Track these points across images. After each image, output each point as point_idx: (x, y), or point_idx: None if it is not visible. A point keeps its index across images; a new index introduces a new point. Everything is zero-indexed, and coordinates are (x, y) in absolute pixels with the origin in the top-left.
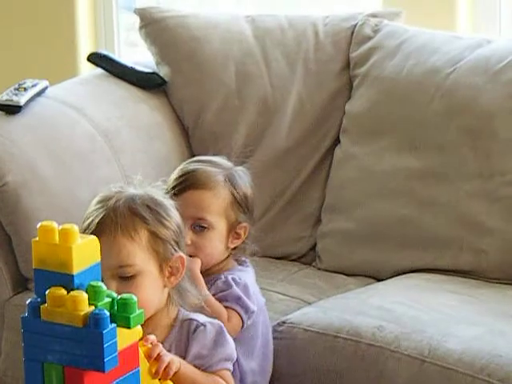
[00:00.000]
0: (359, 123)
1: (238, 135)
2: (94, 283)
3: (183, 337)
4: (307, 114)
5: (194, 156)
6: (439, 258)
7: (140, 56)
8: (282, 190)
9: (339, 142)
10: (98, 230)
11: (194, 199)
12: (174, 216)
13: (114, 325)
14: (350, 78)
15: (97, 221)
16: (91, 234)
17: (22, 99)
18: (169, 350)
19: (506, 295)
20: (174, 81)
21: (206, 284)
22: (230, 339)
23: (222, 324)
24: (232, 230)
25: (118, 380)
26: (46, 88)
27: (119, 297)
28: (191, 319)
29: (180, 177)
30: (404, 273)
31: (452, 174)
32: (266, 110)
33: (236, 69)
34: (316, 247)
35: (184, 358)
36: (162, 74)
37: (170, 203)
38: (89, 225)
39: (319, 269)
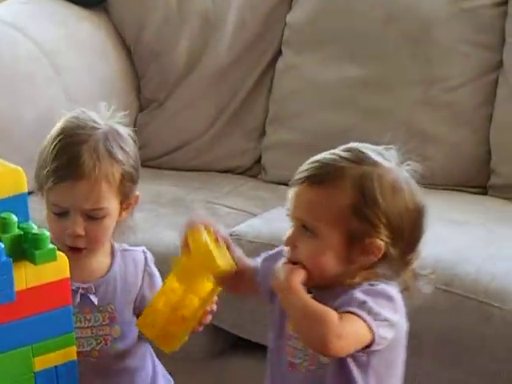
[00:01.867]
0: (301, 34)
1: (179, 51)
2: (4, 214)
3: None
4: (248, 27)
5: (137, 74)
6: None
7: None
8: (226, 103)
9: (281, 53)
10: (79, 171)
11: (302, 196)
12: (134, 151)
13: (8, 259)
14: None
15: (79, 162)
16: (70, 174)
17: None
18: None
19: (452, 201)
20: None
21: None
22: None
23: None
24: (355, 243)
25: (35, 316)
26: None
27: (32, 231)
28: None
29: (307, 164)
30: None
31: (394, 83)
32: (206, 26)
33: None
34: (261, 160)
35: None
36: None
37: (129, 134)
38: (67, 163)
39: (265, 181)
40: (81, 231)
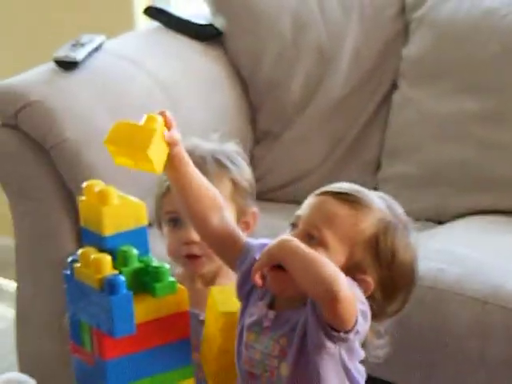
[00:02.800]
0: (417, 67)
1: (294, 84)
2: (125, 248)
3: None
4: (363, 60)
5: (252, 107)
6: (500, 200)
7: (196, 8)
8: (341, 137)
9: (397, 87)
10: None
11: (324, 206)
12: (247, 170)
13: (128, 292)
14: (405, 22)
15: None
16: None
17: (80, 55)
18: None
19: None
20: (230, 31)
21: None
22: None
23: None
24: (350, 272)
25: (154, 348)
26: (102, 43)
27: (152, 264)
28: None
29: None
30: (464, 216)
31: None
32: (321, 59)
33: (291, 18)
34: None
35: None
36: (217, 25)
37: (243, 158)
38: None
39: None
40: (195, 237)
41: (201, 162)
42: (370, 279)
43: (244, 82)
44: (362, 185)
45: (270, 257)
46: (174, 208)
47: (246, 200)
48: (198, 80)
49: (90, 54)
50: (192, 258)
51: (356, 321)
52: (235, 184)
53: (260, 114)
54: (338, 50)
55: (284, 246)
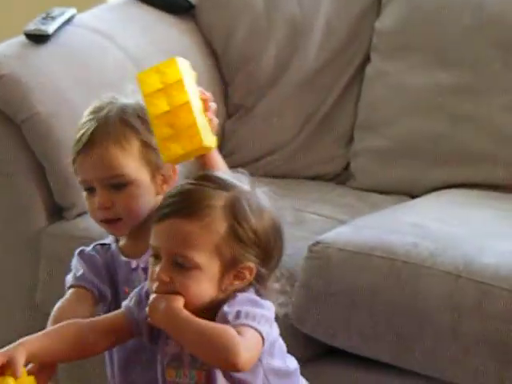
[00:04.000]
0: (389, 40)
1: (267, 57)
2: None
3: None
4: (336, 33)
5: (224, 80)
6: (473, 174)
7: None
8: (314, 110)
9: (369, 60)
10: (90, 140)
11: (176, 230)
12: None
13: None
14: None
15: (89, 132)
16: (83, 145)
17: (50, 28)
18: None
19: None
20: (202, 4)
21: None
22: None
23: None
24: (230, 269)
25: None
26: (73, 16)
27: None
28: None
29: (167, 197)
30: (438, 189)
31: (484, 89)
32: (294, 32)
33: None
34: (349, 166)
35: None
36: None
37: None
38: (81, 136)
39: (353, 188)
40: (107, 203)
41: (103, 123)
42: (250, 263)
43: (216, 55)
44: (334, 159)
45: (158, 325)
46: (86, 177)
47: (159, 155)
48: (169, 53)
49: (60, 28)
50: (108, 222)
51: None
52: (144, 142)
53: (232, 87)
54: (311, 22)
55: (164, 321)
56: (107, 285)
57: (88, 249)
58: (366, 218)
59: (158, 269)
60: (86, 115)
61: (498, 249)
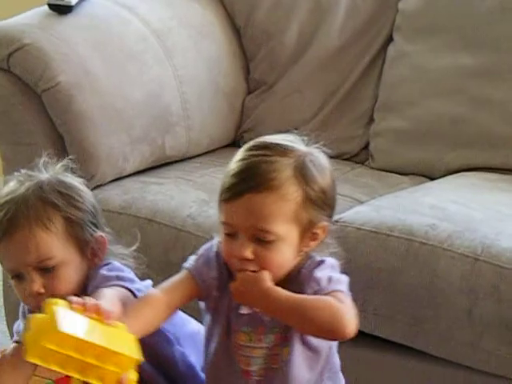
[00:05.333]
0: (413, 21)
1: (289, 34)
2: None
3: None
4: (360, 11)
5: (245, 55)
6: (492, 157)
7: None
8: (335, 89)
9: (392, 40)
10: (11, 226)
11: (253, 205)
12: (86, 196)
13: None
14: None
15: (8, 216)
16: (4, 230)
17: None
18: None
19: None
20: None
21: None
22: None
23: None
24: (307, 232)
25: None
26: None
27: None
28: None
29: (234, 174)
30: (457, 172)
31: (506, 72)
32: (317, 9)
33: None
34: (369, 146)
35: None
36: None
37: (79, 182)
38: (0, 221)
39: (372, 168)
40: (38, 289)
41: (22, 205)
42: (323, 222)
43: (238, 30)
44: (353, 139)
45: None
46: (11, 264)
47: (84, 231)
48: (191, 27)
49: None
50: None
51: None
52: (68, 218)
53: (253, 63)
54: (335, 1)
55: (257, 301)
56: None
57: None
58: (384, 198)
59: (235, 246)
60: (1, 197)
61: None
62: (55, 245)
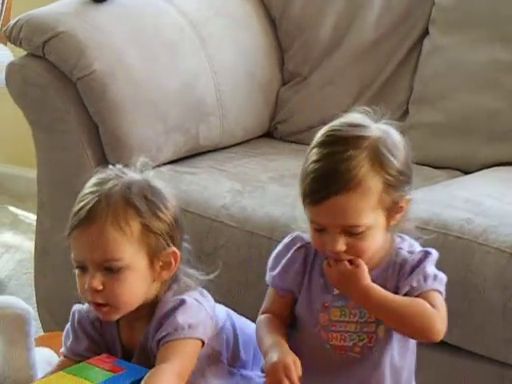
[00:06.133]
0: (449, 14)
1: (324, 27)
2: None
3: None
4: (395, 4)
5: (280, 47)
6: None
7: None
8: (369, 82)
9: (428, 33)
10: (88, 217)
11: (340, 206)
12: (171, 208)
13: None
14: None
15: (88, 207)
16: (80, 221)
17: None
18: None
19: None
20: None
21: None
22: None
23: None
24: (392, 210)
25: None
26: None
27: None
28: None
29: (313, 179)
30: (492, 166)
31: None
32: (353, 2)
33: None
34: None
35: None
36: None
37: (169, 193)
38: (79, 210)
39: None
40: (98, 285)
41: (104, 199)
42: (407, 197)
43: (274, 22)
44: None
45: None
46: (80, 257)
47: (160, 241)
48: (227, 18)
49: None
50: (96, 305)
51: None
52: (146, 226)
53: (288, 54)
54: None
55: (365, 300)
56: None
57: None
58: (419, 192)
59: (327, 240)
60: (88, 186)
61: None
62: (125, 248)
